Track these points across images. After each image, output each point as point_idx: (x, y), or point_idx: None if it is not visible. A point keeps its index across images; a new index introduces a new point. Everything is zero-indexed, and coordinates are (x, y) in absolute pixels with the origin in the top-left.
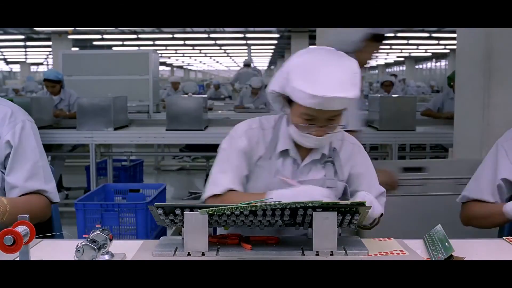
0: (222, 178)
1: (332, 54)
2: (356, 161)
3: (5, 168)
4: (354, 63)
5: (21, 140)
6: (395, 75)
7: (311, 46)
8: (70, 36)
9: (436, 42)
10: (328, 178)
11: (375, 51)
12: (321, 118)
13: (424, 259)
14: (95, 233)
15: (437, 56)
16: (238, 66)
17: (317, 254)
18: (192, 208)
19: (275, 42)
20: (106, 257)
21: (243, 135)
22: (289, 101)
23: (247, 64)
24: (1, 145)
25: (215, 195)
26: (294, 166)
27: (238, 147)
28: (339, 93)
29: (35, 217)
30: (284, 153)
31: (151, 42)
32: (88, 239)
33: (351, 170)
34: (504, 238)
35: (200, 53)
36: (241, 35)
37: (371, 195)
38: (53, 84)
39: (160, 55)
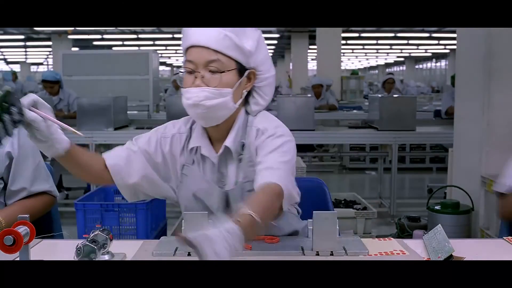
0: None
1: None
2: (258, 140)
3: (2, 178)
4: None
5: (20, 146)
6: (391, 74)
7: None
8: (70, 36)
9: (436, 42)
10: (244, 180)
11: None
12: (200, 63)
13: (424, 259)
14: (95, 233)
15: (437, 56)
16: None
17: (317, 254)
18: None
19: (275, 42)
20: (106, 257)
21: (169, 137)
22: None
23: None
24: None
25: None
26: (214, 169)
27: (158, 134)
28: (210, 33)
29: (38, 216)
30: (199, 154)
31: (151, 42)
32: (88, 239)
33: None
34: (504, 238)
35: None
36: None
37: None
38: (52, 85)
39: (160, 55)
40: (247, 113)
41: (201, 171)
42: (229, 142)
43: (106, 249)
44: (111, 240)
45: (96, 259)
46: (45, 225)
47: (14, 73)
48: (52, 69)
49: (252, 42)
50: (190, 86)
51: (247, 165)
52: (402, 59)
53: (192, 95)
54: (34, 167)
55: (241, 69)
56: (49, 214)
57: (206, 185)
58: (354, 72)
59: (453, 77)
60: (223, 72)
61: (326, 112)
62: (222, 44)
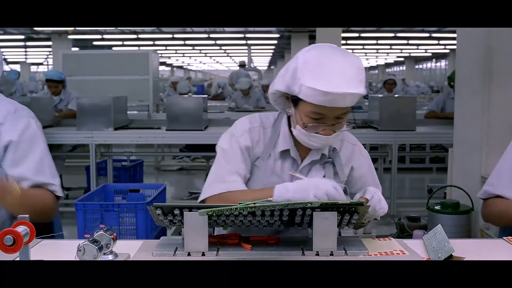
0: (227, 177)
1: (337, 50)
2: (358, 162)
3: (2, 163)
4: (358, 59)
5: (25, 135)
6: (393, 75)
7: (314, 44)
8: (70, 36)
9: (436, 42)
10: (327, 178)
11: None
12: (330, 117)
13: (424, 259)
14: (99, 233)
15: (437, 56)
16: (238, 66)
17: (317, 254)
18: (190, 208)
19: (275, 42)
20: (110, 257)
21: (245, 133)
22: (293, 101)
23: (241, 65)
24: (0, 140)
25: (220, 194)
26: (294, 167)
27: (241, 145)
28: (350, 89)
29: (42, 211)
30: (284, 153)
31: (151, 42)
32: (90, 239)
33: (353, 171)
34: (504, 238)
35: (200, 53)
36: (241, 35)
37: (379, 192)
38: (56, 84)
39: (160, 55)
40: None
41: (274, 166)
42: (326, 150)
43: (109, 249)
44: (114, 240)
45: (98, 259)
46: (45, 225)
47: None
48: (55, 69)
49: (364, 82)
50: (316, 132)
51: (337, 167)
52: (402, 59)
53: (320, 141)
54: (39, 159)
55: None
56: None
57: (279, 180)
58: None
59: (449, 78)
60: (346, 118)
61: None
62: (351, 103)
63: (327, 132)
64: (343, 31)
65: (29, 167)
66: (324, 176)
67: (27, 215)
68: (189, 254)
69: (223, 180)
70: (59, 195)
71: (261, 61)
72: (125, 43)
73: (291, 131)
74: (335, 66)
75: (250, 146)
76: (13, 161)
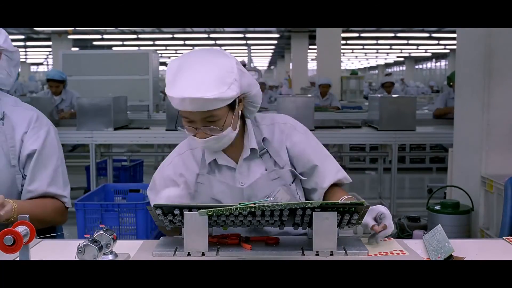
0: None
1: (207, 54)
2: (292, 140)
3: (23, 170)
4: (230, 62)
5: (45, 146)
6: (389, 74)
7: (193, 49)
8: (70, 36)
9: (436, 42)
10: (269, 171)
11: None
12: (197, 120)
13: (424, 259)
14: (99, 233)
15: (437, 56)
16: None
17: (317, 254)
18: (190, 208)
19: (275, 42)
20: (110, 257)
21: (170, 163)
22: None
23: (242, 65)
24: (24, 149)
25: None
26: (232, 171)
27: (164, 176)
28: (194, 94)
29: (48, 221)
30: (215, 163)
31: (151, 42)
32: (90, 239)
33: (290, 151)
34: (504, 238)
35: None
36: (241, 35)
37: (388, 212)
38: (57, 84)
39: (160, 55)
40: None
41: (217, 176)
42: (253, 144)
43: (109, 249)
44: (114, 240)
45: (98, 259)
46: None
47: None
48: (56, 69)
49: (234, 85)
50: (195, 136)
51: (273, 156)
52: (402, 59)
53: (200, 144)
54: (55, 168)
55: (232, 104)
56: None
57: (224, 186)
58: (353, 72)
59: (449, 77)
60: (219, 120)
61: (326, 112)
62: (210, 107)
63: (201, 136)
64: (343, 31)
65: (45, 177)
66: (265, 169)
67: (27, 215)
68: (189, 254)
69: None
70: (68, 206)
71: (261, 61)
72: (125, 43)
73: None
74: (189, 71)
75: (171, 175)
76: (31, 171)
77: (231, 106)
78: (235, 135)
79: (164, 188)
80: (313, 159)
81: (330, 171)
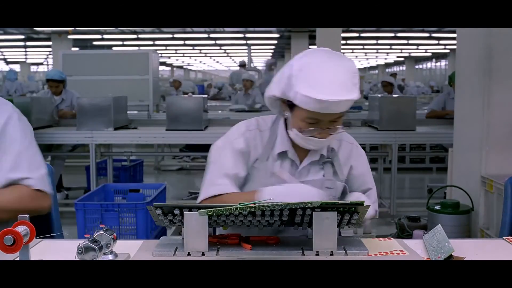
0: (218, 180)
1: (331, 55)
2: (356, 162)
3: None
4: (352, 63)
5: (4, 132)
6: (395, 74)
7: (308, 49)
8: (70, 36)
9: (436, 42)
10: (327, 178)
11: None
12: (325, 121)
13: (424, 259)
14: (99, 233)
15: (437, 56)
16: (238, 66)
17: (317, 254)
18: (190, 208)
19: (275, 42)
20: (110, 257)
21: (240, 136)
22: (289, 105)
23: (242, 65)
24: None
25: (211, 197)
26: (293, 168)
27: (235, 148)
28: (343, 95)
29: (19, 210)
30: (282, 154)
31: (151, 42)
32: (90, 239)
33: (351, 170)
34: (504, 238)
35: (200, 53)
36: (241, 35)
37: (364, 196)
38: (57, 84)
39: (160, 55)
40: None
41: (273, 167)
42: (325, 151)
43: (109, 249)
44: (115, 240)
45: (98, 259)
46: (45, 225)
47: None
48: (56, 69)
49: (358, 85)
50: (312, 136)
51: (336, 167)
52: (402, 59)
53: (318, 144)
54: (17, 154)
55: None
56: (48, 214)
57: (278, 180)
58: None
59: (450, 77)
60: (341, 121)
61: None
62: (346, 108)
63: (322, 136)
64: (343, 31)
65: (4, 163)
66: (323, 176)
67: (27, 215)
68: (189, 254)
69: (213, 183)
70: (36, 188)
71: (261, 61)
72: (125, 43)
73: (288, 133)
74: (328, 73)
75: (244, 148)
76: None
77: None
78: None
79: (236, 163)
80: (369, 183)
81: (372, 199)
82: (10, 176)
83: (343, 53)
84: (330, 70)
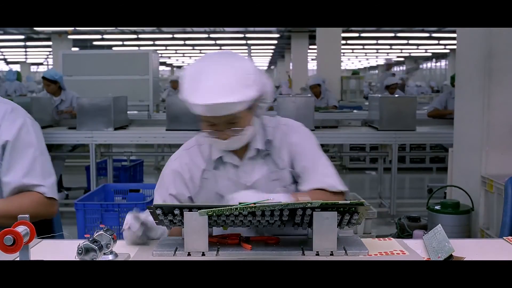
0: (157, 199)
1: (224, 57)
2: (291, 141)
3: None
4: (247, 64)
5: (19, 137)
6: (393, 74)
7: (208, 52)
8: (70, 36)
9: (436, 42)
10: (270, 171)
11: None
12: (220, 123)
13: (424, 259)
14: (99, 233)
15: (437, 56)
16: None
17: (317, 254)
18: (190, 208)
19: (275, 42)
20: (110, 257)
21: (177, 158)
22: None
23: None
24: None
25: None
26: (235, 169)
27: (170, 170)
28: (222, 98)
29: (32, 216)
30: (220, 161)
31: (151, 42)
32: (90, 239)
33: (290, 152)
34: (504, 238)
35: (200, 53)
36: (241, 35)
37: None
38: (48, 83)
39: (160, 55)
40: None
41: (220, 173)
42: (260, 145)
43: (109, 249)
44: (115, 240)
45: (98, 259)
46: (45, 225)
47: (18, 73)
48: (53, 69)
49: (254, 85)
50: (216, 138)
51: (274, 157)
52: (402, 59)
53: (222, 145)
54: (32, 160)
55: (251, 105)
56: None
57: (229, 182)
58: (354, 72)
59: (452, 77)
60: (241, 120)
61: (326, 112)
62: (234, 109)
63: (223, 137)
64: (343, 31)
65: (20, 169)
66: (268, 169)
67: (27, 215)
68: (189, 254)
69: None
70: (48, 196)
71: (261, 61)
72: (125, 43)
73: None
74: (209, 76)
75: (178, 169)
76: (7, 162)
77: (250, 107)
78: (253, 133)
79: (172, 182)
80: (304, 160)
81: (315, 176)
82: (24, 181)
83: (343, 53)
84: (213, 73)
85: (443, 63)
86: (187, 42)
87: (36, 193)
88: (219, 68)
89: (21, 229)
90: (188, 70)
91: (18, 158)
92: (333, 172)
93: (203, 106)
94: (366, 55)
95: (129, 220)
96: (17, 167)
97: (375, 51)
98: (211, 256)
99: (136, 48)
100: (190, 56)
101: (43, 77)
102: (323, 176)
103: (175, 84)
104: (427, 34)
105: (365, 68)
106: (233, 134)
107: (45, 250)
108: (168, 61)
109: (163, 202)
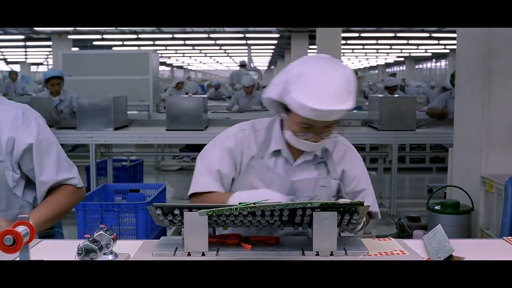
0: (200, 178)
1: (329, 62)
2: (350, 163)
3: (18, 168)
4: (349, 71)
5: (40, 137)
6: (394, 74)
7: (308, 55)
8: (70, 36)
9: (436, 42)
10: (321, 177)
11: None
12: (318, 127)
13: (424, 259)
14: (99, 233)
15: (437, 56)
16: (239, 66)
17: (317, 254)
18: (190, 208)
19: (275, 42)
20: (110, 257)
21: (232, 136)
22: (286, 108)
23: (242, 65)
24: (19, 145)
25: (195, 194)
26: (287, 165)
27: (223, 146)
28: (337, 106)
29: (67, 210)
30: (277, 153)
31: (151, 42)
32: (90, 239)
33: (346, 172)
34: (504, 238)
35: (200, 53)
36: (241, 35)
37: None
38: (59, 81)
39: (160, 55)
40: None
41: (269, 164)
42: (319, 151)
43: (109, 249)
44: (114, 240)
45: (98, 259)
46: None
47: (15, 73)
48: (55, 68)
49: (354, 93)
50: (306, 140)
51: (329, 167)
52: (402, 59)
53: (312, 147)
54: (57, 155)
55: None
56: None
57: (275, 176)
58: (354, 72)
59: (452, 76)
60: (335, 126)
61: None
62: (339, 116)
63: (315, 140)
64: (343, 31)
65: (51, 166)
66: (318, 175)
67: (27, 215)
68: (189, 254)
69: (195, 181)
70: (79, 186)
71: (261, 61)
72: (125, 43)
73: (283, 133)
74: (324, 81)
75: (233, 147)
76: (37, 163)
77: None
78: None
79: (223, 159)
80: (363, 184)
81: (369, 200)
82: (58, 178)
83: (343, 53)
84: (326, 78)
85: (443, 63)
86: (187, 42)
87: (68, 186)
88: (329, 74)
89: (21, 229)
90: (296, 72)
91: (46, 157)
92: (375, 200)
93: (316, 110)
94: (366, 55)
95: None
96: (48, 166)
97: (375, 51)
98: (211, 256)
99: (136, 48)
100: (190, 56)
101: (52, 77)
102: (374, 201)
103: (180, 85)
104: (427, 34)
105: (365, 68)
106: (325, 138)
107: (45, 250)
108: (168, 61)
109: (210, 175)
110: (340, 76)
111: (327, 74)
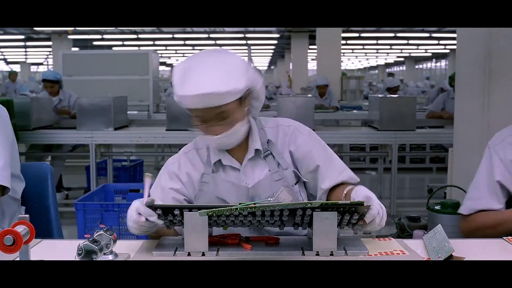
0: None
1: (213, 54)
2: (296, 142)
3: None
4: (236, 59)
5: None
6: (392, 74)
7: (201, 50)
8: (70, 36)
9: (436, 42)
10: (272, 172)
11: None
12: (208, 117)
13: (424, 259)
14: (99, 233)
15: (437, 56)
16: None
17: (317, 254)
18: (190, 208)
19: (275, 42)
20: (110, 257)
21: (175, 161)
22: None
23: None
24: None
25: None
26: (235, 171)
27: (169, 171)
28: (208, 89)
29: None
30: (219, 163)
31: (151, 42)
32: (90, 239)
33: (295, 154)
34: (504, 238)
35: None
36: (241, 35)
37: (371, 193)
38: (52, 84)
39: (160, 55)
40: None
41: (222, 176)
42: (258, 145)
43: (109, 249)
44: (114, 240)
45: (98, 259)
46: (45, 225)
47: (15, 73)
48: (52, 69)
49: (242, 78)
50: (205, 133)
51: (276, 157)
52: (402, 59)
53: (213, 141)
54: None
55: (240, 99)
56: (48, 214)
57: (229, 185)
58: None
59: (450, 77)
60: (231, 115)
61: (326, 112)
62: (222, 101)
63: (213, 133)
64: (343, 31)
65: None
66: (269, 170)
67: (27, 215)
68: (189, 254)
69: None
70: None
71: (261, 61)
72: (125, 43)
73: None
74: (199, 72)
75: (176, 171)
76: None
77: (240, 101)
78: (246, 130)
79: (168, 182)
80: (316, 160)
81: (333, 172)
82: None
83: (343, 53)
84: (201, 68)
85: (443, 63)
86: (187, 42)
87: None
88: (208, 62)
89: (20, 229)
90: (178, 67)
91: None
92: (345, 166)
93: (190, 97)
94: (366, 55)
95: (133, 215)
96: None
97: (375, 51)
98: (211, 256)
99: (136, 48)
100: None
101: (46, 80)
102: (341, 170)
103: None
104: (427, 34)
105: (365, 68)
106: (223, 129)
107: (45, 250)
108: (168, 61)
109: (162, 196)
110: (220, 64)
111: (205, 63)
